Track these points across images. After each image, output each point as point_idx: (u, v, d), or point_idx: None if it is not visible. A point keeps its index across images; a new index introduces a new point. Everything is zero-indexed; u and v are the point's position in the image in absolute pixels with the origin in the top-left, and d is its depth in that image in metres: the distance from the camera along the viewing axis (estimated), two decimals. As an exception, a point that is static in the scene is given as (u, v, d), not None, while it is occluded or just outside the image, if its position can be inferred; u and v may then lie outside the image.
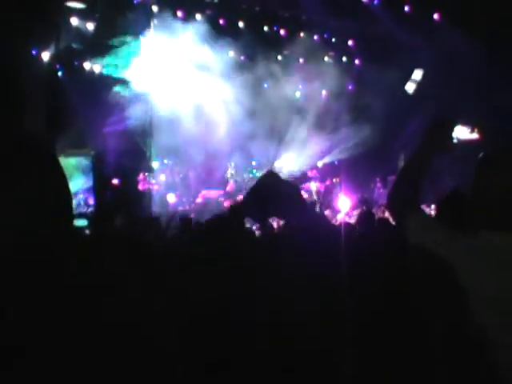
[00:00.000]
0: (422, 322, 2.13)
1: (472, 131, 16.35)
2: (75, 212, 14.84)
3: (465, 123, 15.59)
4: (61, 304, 1.57)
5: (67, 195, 1.74)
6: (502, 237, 2.18)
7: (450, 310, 2.11)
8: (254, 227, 14.39)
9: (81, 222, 13.48)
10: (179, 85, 18.35)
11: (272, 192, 2.24)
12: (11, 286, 1.54)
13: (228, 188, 19.31)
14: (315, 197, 18.98)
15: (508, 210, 2.20)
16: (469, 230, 2.27)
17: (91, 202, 16.67)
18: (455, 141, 2.75)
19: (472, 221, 2.31)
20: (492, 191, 2.25)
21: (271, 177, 2.31)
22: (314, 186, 19.36)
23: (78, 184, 16.68)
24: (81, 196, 16.46)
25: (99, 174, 16.73)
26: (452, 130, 2.70)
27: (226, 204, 17.79)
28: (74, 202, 15.59)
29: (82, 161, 17.25)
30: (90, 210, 16.03)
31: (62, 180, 1.72)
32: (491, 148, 2.43)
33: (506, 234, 2.18)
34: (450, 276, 2.15)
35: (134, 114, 16.92)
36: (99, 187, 16.49)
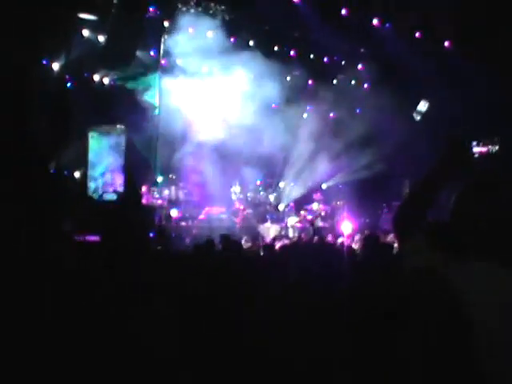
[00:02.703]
0: (419, 344, 2.12)
1: (478, 145, 16.42)
2: (102, 191, 15.82)
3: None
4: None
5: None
6: (488, 263, 2.20)
7: (447, 333, 2.11)
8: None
9: (110, 196, 14.07)
10: (188, 101, 18.46)
11: None
12: None
13: (234, 207, 19.35)
14: (320, 223, 18.98)
15: (486, 241, 2.24)
16: (461, 256, 2.28)
17: (119, 181, 17.54)
18: (476, 155, 2.79)
19: (462, 246, 2.32)
20: (469, 222, 2.29)
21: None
22: (316, 206, 19.39)
23: (105, 164, 17.73)
24: (108, 176, 17.02)
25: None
26: (468, 148, 2.70)
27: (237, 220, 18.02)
28: (101, 181, 17.43)
29: (114, 139, 18.00)
30: (116, 188, 16.83)
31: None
32: (472, 180, 2.46)
33: (491, 262, 2.20)
34: (445, 299, 2.15)
35: (142, 127, 17.03)
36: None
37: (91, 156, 17.55)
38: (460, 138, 2.75)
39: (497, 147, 17.29)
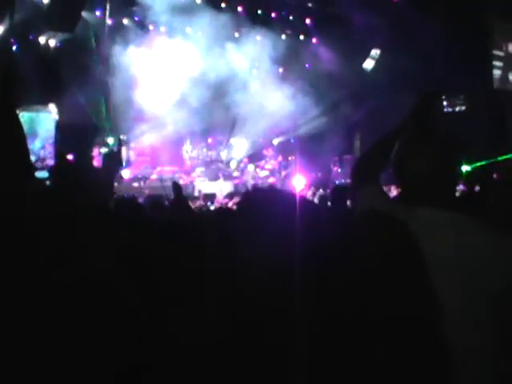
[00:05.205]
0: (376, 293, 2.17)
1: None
2: (40, 165, 15.25)
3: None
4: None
5: (24, 149, 1.78)
6: (429, 211, 2.29)
7: (402, 282, 2.17)
8: (209, 203, 14.51)
9: (41, 174, 13.68)
10: (134, 62, 18.19)
11: None
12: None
13: (185, 165, 19.37)
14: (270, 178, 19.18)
15: (425, 189, 2.33)
16: (411, 203, 2.35)
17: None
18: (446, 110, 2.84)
19: (405, 196, 2.40)
20: (407, 171, 2.36)
21: None
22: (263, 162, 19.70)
23: (44, 138, 17.08)
24: (43, 151, 16.58)
25: (62, 133, 17.05)
26: (440, 102, 2.78)
27: (183, 181, 17.81)
28: (41, 154, 16.56)
29: (48, 117, 17.48)
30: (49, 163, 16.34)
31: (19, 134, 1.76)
32: (407, 133, 2.56)
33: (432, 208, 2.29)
34: (394, 243, 2.23)
35: (91, 87, 16.73)
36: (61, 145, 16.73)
37: (26, 130, 16.98)
38: (436, 91, 2.84)
39: (463, 107, 17.53)
